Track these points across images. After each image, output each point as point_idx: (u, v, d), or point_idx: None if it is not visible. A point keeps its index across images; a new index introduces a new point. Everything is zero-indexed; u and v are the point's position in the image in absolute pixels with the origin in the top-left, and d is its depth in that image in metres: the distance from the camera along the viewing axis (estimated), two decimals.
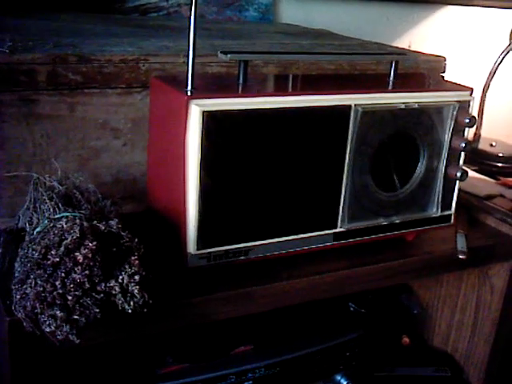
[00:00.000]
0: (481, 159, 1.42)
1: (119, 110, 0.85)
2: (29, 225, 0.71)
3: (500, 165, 1.42)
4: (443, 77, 1.09)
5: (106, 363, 0.79)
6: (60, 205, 0.70)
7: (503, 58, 1.45)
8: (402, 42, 1.62)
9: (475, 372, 1.04)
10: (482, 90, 1.46)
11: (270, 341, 0.89)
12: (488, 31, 1.71)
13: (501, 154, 1.43)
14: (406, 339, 1.10)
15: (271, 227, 0.77)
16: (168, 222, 0.76)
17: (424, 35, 1.66)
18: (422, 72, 1.06)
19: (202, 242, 0.72)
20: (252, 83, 0.80)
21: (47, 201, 0.70)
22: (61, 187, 0.74)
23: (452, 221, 0.91)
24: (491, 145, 1.47)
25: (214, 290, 0.73)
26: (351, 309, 1.04)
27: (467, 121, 0.85)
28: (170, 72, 0.86)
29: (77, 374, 0.75)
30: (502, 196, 1.22)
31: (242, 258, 0.76)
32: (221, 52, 0.75)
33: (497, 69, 1.45)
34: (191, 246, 0.72)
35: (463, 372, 1.06)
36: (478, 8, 1.70)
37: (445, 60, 1.10)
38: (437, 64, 1.09)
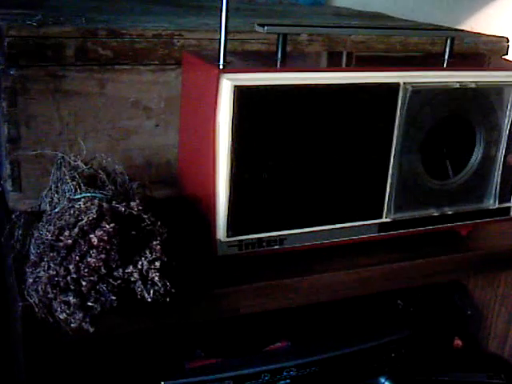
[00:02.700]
0: None
1: (152, 88, 0.81)
2: (49, 206, 0.67)
3: None
4: (505, 59, 1.00)
5: (132, 353, 0.74)
6: (82, 185, 0.66)
7: None
8: (464, 27, 1.53)
9: None
10: None
11: (309, 337, 0.82)
12: None
13: None
14: (458, 342, 1.02)
15: (309, 215, 0.71)
16: (198, 207, 0.71)
17: (487, 19, 1.55)
18: (482, 53, 0.98)
19: (232, 228, 0.67)
20: (292, 59, 0.74)
21: (69, 181, 0.66)
22: (85, 167, 0.69)
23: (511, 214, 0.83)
24: None
25: (244, 280, 0.67)
26: (399, 306, 0.96)
27: None
28: (206, 49, 0.81)
29: (97, 364, 0.71)
30: None
31: (277, 247, 0.70)
32: (258, 24, 0.69)
33: None
34: (221, 233, 0.67)
35: None
36: None
37: (507, 41, 1.02)
38: (498, 45, 1.01)
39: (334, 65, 0.82)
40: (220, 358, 0.76)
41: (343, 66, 0.80)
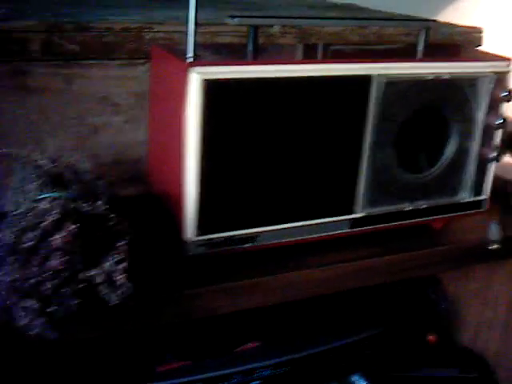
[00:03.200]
0: None
1: (121, 83, 0.78)
2: (13, 207, 0.65)
3: None
4: (480, 50, 0.99)
5: (101, 357, 0.73)
6: (47, 185, 0.64)
7: None
8: (439, 19, 1.52)
9: (507, 374, 0.96)
10: None
11: (280, 337, 0.82)
12: None
13: None
14: (431, 337, 1.01)
15: (280, 212, 0.69)
16: (167, 205, 0.69)
17: (464, 11, 1.55)
18: (457, 43, 0.97)
19: (201, 227, 0.65)
20: (264, 52, 0.72)
21: (33, 180, 0.64)
22: (51, 166, 0.67)
23: (485, 207, 0.82)
24: None
25: (215, 280, 0.66)
26: (373, 302, 0.95)
27: (504, 95, 0.76)
28: (177, 42, 0.79)
29: (64, 369, 0.70)
30: None
31: (248, 245, 0.69)
32: (228, 16, 0.68)
33: None
34: (190, 232, 0.65)
35: (493, 374, 0.97)
36: None
37: (481, 31, 1.01)
38: (473, 35, 1.00)
39: (307, 57, 0.80)
40: (190, 361, 0.75)
41: (316, 58, 0.79)
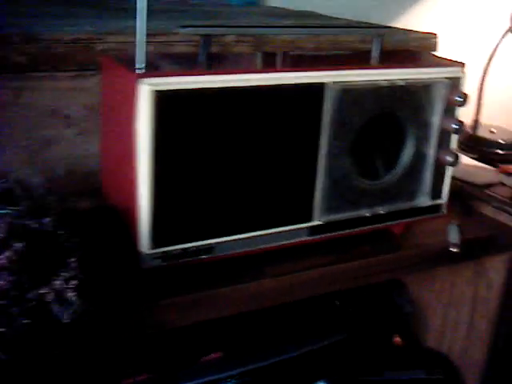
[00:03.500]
0: (480, 146, 1.34)
1: (72, 95, 0.77)
2: None
3: (501, 152, 1.33)
4: (435, 55, 1.00)
5: (64, 372, 0.71)
6: None
7: (502, 39, 1.35)
8: (397, 25, 1.53)
9: (471, 374, 0.96)
10: (481, 75, 1.37)
11: (243, 347, 0.81)
12: (488, 13, 1.61)
13: (501, 141, 1.35)
14: (397, 339, 1.02)
15: (237, 222, 0.68)
16: (121, 218, 0.68)
17: (421, 18, 1.56)
18: (411, 49, 0.97)
19: (156, 239, 0.64)
20: (218, 61, 0.72)
21: None
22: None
23: (444, 211, 0.83)
24: (491, 131, 1.38)
25: (171, 293, 0.65)
26: (337, 307, 0.95)
27: (459, 99, 0.77)
28: (128, 53, 0.78)
29: None
30: (502, 184, 1.14)
31: (204, 256, 0.68)
32: (179, 26, 0.67)
33: (495, 52, 1.36)
34: (144, 245, 0.64)
35: (458, 374, 0.98)
36: None
37: (436, 37, 1.02)
38: (427, 41, 1.01)
39: (262, 65, 0.80)
40: (152, 374, 0.73)
41: (271, 66, 0.79)
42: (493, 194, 1.01)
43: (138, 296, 0.64)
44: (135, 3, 0.62)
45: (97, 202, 0.77)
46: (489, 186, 1.11)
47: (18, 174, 0.67)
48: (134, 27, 0.82)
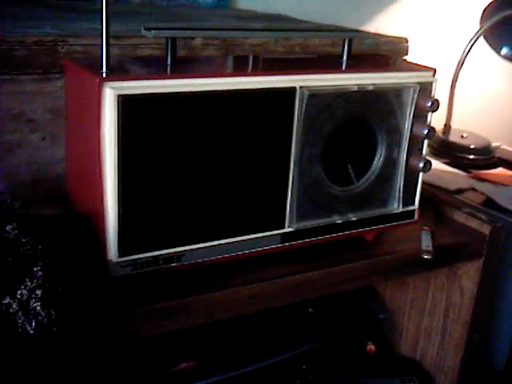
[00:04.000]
0: (452, 151, 1.35)
1: (36, 99, 0.75)
2: None
3: (472, 157, 1.34)
4: (405, 60, 1.00)
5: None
6: None
7: (472, 45, 1.36)
8: (369, 29, 1.53)
9: (445, 381, 0.95)
10: (452, 80, 1.38)
11: (215, 356, 0.79)
12: (459, 17, 1.62)
13: (472, 146, 1.36)
14: (371, 347, 1.01)
15: (207, 229, 0.67)
16: (88, 225, 0.66)
17: (392, 21, 1.56)
18: (382, 54, 0.97)
19: (124, 247, 0.62)
20: (185, 65, 0.70)
21: None
22: None
23: (416, 217, 0.82)
24: (462, 136, 1.39)
25: (141, 302, 0.63)
26: (310, 315, 0.94)
27: (429, 104, 0.76)
28: (93, 56, 0.76)
29: None
30: (473, 189, 1.14)
31: (174, 264, 0.66)
32: (144, 29, 0.65)
33: (466, 57, 1.37)
34: (112, 253, 0.62)
35: (433, 381, 0.97)
36: None
37: (407, 41, 1.01)
38: (398, 46, 1.00)
39: (230, 69, 0.78)
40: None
41: (239, 70, 0.77)
42: (464, 200, 1.01)
43: (107, 305, 0.62)
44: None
45: (62, 208, 0.75)
46: (460, 191, 1.12)
47: None
48: (99, 29, 0.81)
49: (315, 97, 0.69)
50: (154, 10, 1.19)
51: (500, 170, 1.31)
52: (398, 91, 0.75)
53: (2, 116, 0.73)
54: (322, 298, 0.96)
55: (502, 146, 1.42)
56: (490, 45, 1.43)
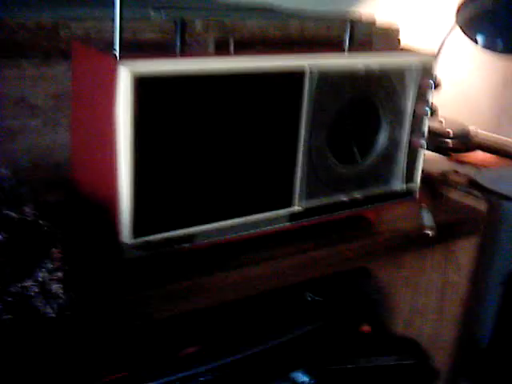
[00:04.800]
0: (431, 136, 1.36)
1: (37, 83, 0.73)
2: None
3: (450, 141, 1.36)
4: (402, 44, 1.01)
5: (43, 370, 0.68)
6: None
7: (446, 36, 1.38)
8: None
9: (441, 357, 0.97)
10: None
11: (220, 339, 0.79)
12: (437, 9, 1.64)
13: (450, 131, 1.38)
14: (366, 327, 1.02)
15: (218, 209, 0.67)
16: (99, 209, 0.65)
17: (374, 8, 1.57)
18: (379, 39, 0.98)
19: (137, 229, 0.62)
20: (193, 47, 0.70)
21: None
22: None
23: (416, 195, 0.83)
24: (440, 121, 1.41)
25: (155, 283, 0.63)
26: (308, 298, 0.94)
27: (431, 84, 0.77)
28: (95, 40, 0.75)
29: None
30: (455, 172, 1.16)
31: (187, 245, 0.66)
32: (154, 8, 0.65)
33: (442, 47, 1.39)
34: (126, 235, 0.62)
35: (429, 358, 0.99)
36: None
37: (398, 29, 1.02)
38: (392, 32, 1.01)
39: (234, 52, 0.78)
40: (130, 371, 0.71)
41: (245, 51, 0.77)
42: (458, 179, 1.03)
43: (121, 287, 0.61)
44: None
45: (65, 193, 0.74)
46: (443, 174, 1.13)
47: None
48: (98, 15, 0.80)
49: (324, 77, 0.69)
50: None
51: (478, 153, 1.33)
52: (401, 73, 0.76)
53: (4, 101, 0.72)
54: (317, 280, 0.97)
55: (479, 130, 1.45)
56: (467, 35, 1.45)
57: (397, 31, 1.01)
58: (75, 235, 0.60)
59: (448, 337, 0.96)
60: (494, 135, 1.43)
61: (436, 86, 0.77)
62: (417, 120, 0.79)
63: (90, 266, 0.61)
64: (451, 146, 1.35)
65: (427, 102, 0.79)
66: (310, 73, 0.68)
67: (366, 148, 0.76)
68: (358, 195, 0.77)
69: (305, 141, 0.70)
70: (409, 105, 0.77)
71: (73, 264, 0.55)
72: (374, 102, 0.75)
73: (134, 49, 0.71)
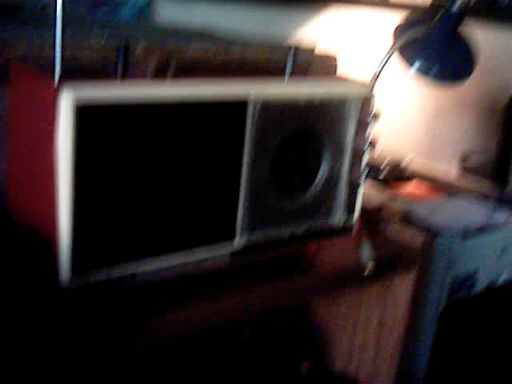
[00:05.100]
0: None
1: None
2: None
3: (386, 170, 1.38)
4: (341, 75, 1.01)
5: None
6: None
7: (387, 60, 1.41)
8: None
9: None
10: None
11: (149, 381, 0.75)
12: (376, 33, 1.67)
13: (386, 160, 1.40)
14: (304, 365, 1.00)
15: (161, 244, 0.64)
16: (37, 244, 0.61)
17: (314, 37, 1.58)
18: (316, 67, 0.98)
19: (77, 264, 0.59)
20: (133, 71, 0.67)
21: None
22: None
23: (356, 229, 0.83)
24: (376, 151, 1.43)
25: (91, 322, 0.59)
26: (246, 337, 0.91)
27: (370, 117, 0.77)
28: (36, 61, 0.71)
29: None
30: (390, 205, 1.17)
31: (127, 282, 0.63)
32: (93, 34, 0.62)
33: (381, 71, 1.41)
34: (64, 270, 0.58)
35: None
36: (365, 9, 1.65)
37: (336, 58, 1.03)
38: (329, 61, 1.02)
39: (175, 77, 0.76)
40: None
41: (184, 79, 0.76)
42: (394, 214, 1.03)
43: (55, 327, 0.58)
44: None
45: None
46: (380, 207, 1.14)
47: None
48: (36, 36, 0.76)
49: (267, 106, 0.68)
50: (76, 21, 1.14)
51: (414, 182, 1.36)
52: (343, 102, 0.76)
53: None
54: (256, 317, 0.95)
55: (414, 159, 1.48)
56: (404, 61, 1.48)
57: (334, 59, 1.02)
58: (8, 268, 0.56)
59: (386, 372, 0.95)
60: (429, 163, 1.46)
61: (376, 116, 0.78)
62: (357, 151, 0.78)
63: (24, 305, 0.57)
64: (387, 176, 1.37)
65: (368, 132, 0.79)
66: (254, 102, 0.67)
67: (307, 179, 0.75)
68: (298, 229, 0.75)
69: (247, 172, 0.69)
70: (349, 135, 0.77)
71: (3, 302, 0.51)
72: (315, 132, 0.74)
73: (74, 72, 0.68)
